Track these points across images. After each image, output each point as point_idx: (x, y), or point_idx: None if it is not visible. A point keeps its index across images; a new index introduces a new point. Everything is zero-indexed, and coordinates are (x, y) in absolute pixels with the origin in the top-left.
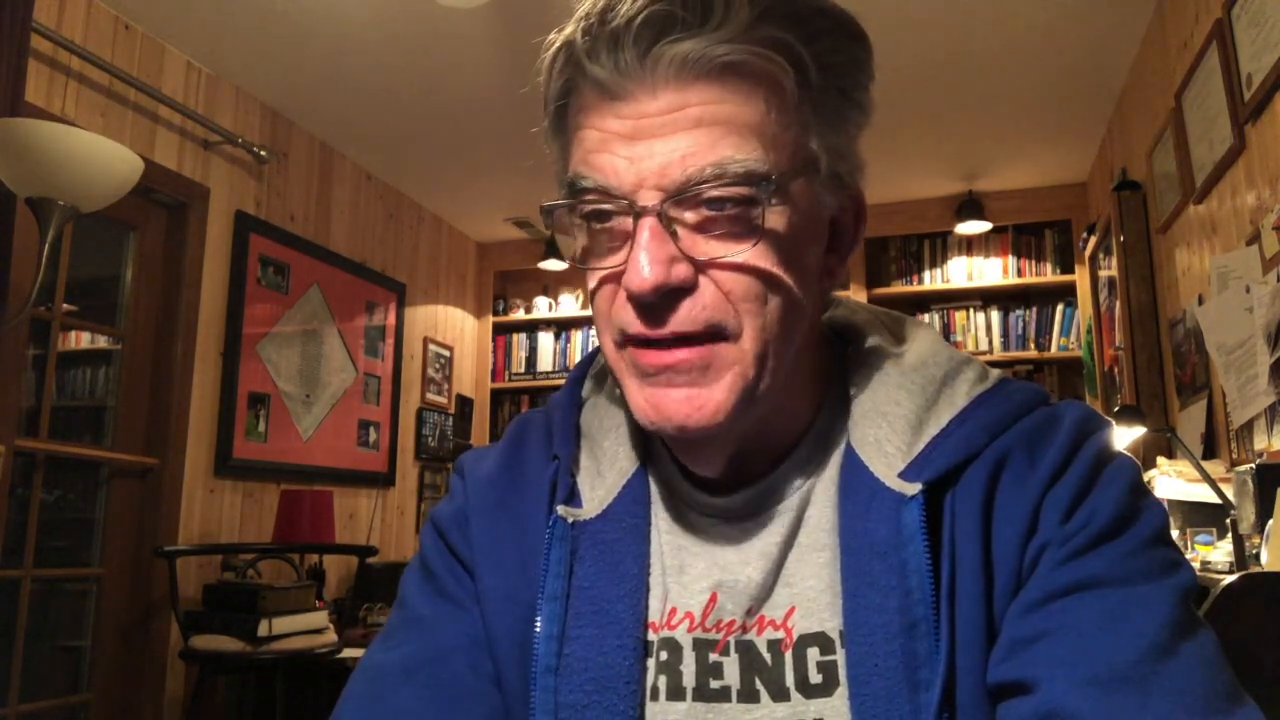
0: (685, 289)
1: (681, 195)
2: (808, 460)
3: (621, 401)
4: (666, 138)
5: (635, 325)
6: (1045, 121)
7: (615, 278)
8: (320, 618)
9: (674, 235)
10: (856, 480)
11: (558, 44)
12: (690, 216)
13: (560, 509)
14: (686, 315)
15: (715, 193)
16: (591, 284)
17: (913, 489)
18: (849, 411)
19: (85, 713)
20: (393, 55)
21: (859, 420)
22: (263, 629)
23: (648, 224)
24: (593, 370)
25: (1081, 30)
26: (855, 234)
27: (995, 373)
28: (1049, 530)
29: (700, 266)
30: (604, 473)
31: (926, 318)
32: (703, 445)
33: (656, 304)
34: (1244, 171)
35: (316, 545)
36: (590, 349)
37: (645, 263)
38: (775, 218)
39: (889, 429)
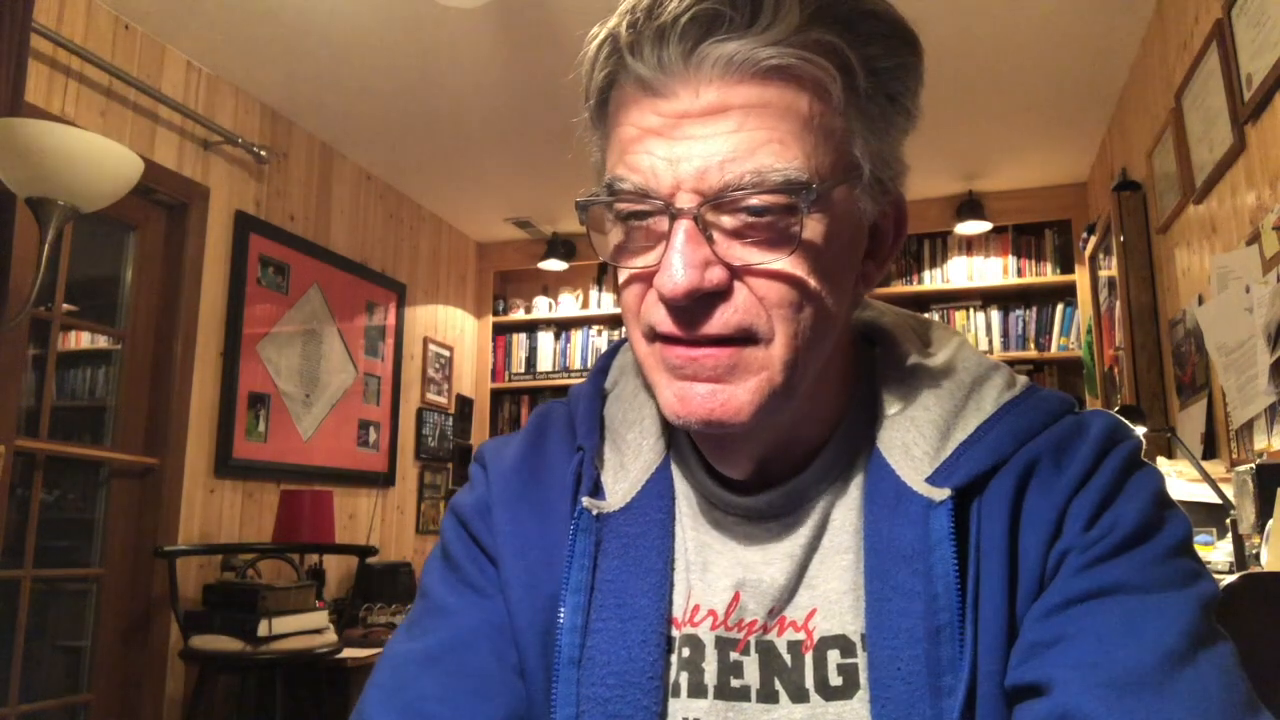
0: (718, 293)
1: (719, 200)
2: (834, 463)
3: (646, 394)
4: (706, 140)
5: (666, 325)
6: (1045, 121)
7: (646, 277)
8: (320, 618)
9: (709, 239)
10: (883, 484)
11: (601, 36)
12: (727, 221)
13: (585, 500)
14: (719, 319)
15: (753, 200)
16: (621, 278)
17: (941, 494)
18: (876, 415)
19: (85, 713)
20: (393, 55)
21: (886, 424)
22: (263, 629)
23: (683, 226)
24: (616, 362)
25: (1081, 30)
26: (896, 239)
27: (1023, 380)
28: (1072, 536)
29: (735, 272)
30: (628, 466)
31: (926, 317)
32: (729, 444)
33: (688, 307)
34: (1244, 171)
35: (316, 545)
36: (591, 348)
37: (679, 266)
38: (814, 226)
39: (917, 434)
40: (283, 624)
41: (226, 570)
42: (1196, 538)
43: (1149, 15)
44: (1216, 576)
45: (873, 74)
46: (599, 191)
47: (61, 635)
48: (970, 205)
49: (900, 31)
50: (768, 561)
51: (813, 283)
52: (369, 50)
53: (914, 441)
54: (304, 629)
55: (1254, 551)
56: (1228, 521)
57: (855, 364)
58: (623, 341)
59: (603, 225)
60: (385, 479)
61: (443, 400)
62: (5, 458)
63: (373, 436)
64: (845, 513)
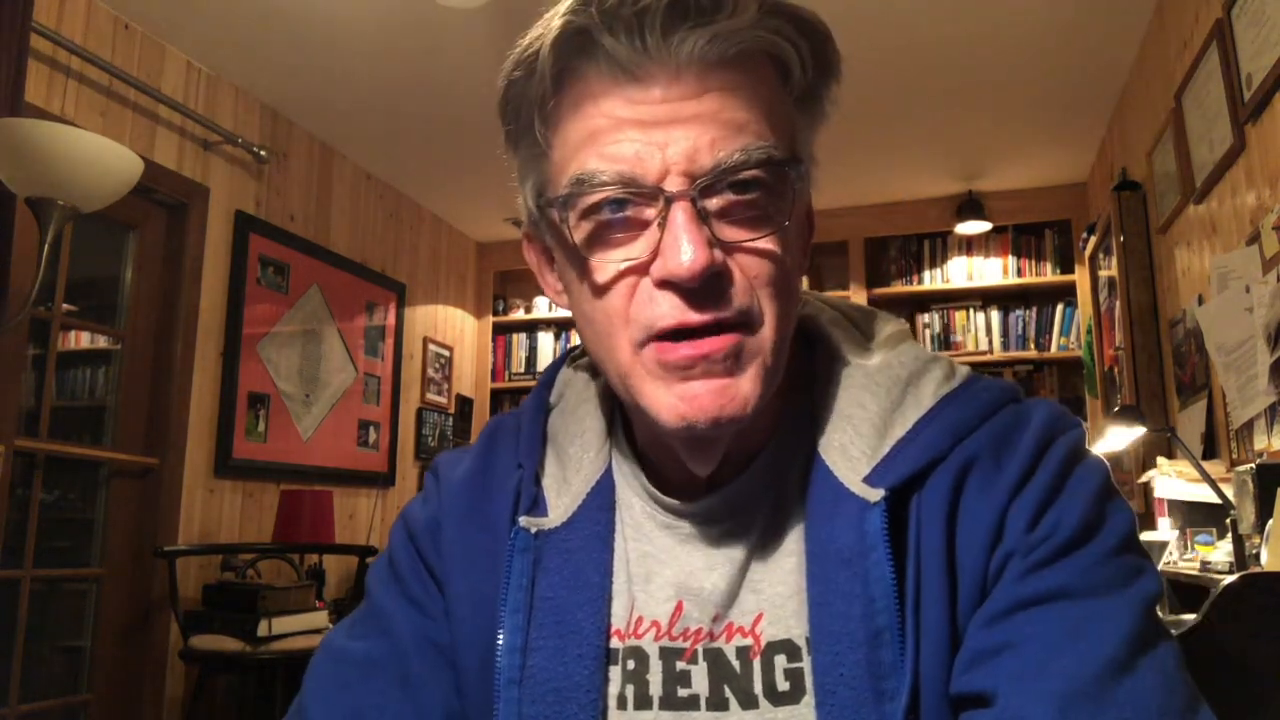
0: (722, 273)
1: (710, 181)
2: (773, 465)
3: (589, 407)
4: (689, 124)
5: (672, 316)
6: (1045, 121)
7: (635, 271)
8: (320, 618)
9: (704, 220)
10: (822, 485)
11: (556, 32)
12: (715, 203)
13: (523, 519)
14: (726, 300)
15: (742, 176)
16: (603, 279)
17: (875, 495)
18: (814, 416)
19: (85, 713)
20: (393, 55)
21: (824, 424)
22: (263, 629)
23: (682, 208)
24: (560, 376)
25: (1081, 30)
26: (812, 232)
27: (963, 370)
28: (1014, 539)
29: (728, 252)
30: (570, 480)
31: (926, 318)
32: (717, 440)
33: (698, 289)
34: (1244, 171)
35: (316, 545)
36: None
37: (687, 245)
38: (788, 205)
39: (854, 433)
40: (283, 624)
41: (226, 570)
42: (1197, 537)
43: (1149, 15)
44: (1216, 576)
45: (808, 69)
46: (569, 189)
47: (61, 635)
48: (970, 205)
49: (826, 30)
50: (710, 568)
51: (789, 262)
52: (369, 50)
53: (850, 441)
54: (304, 629)
55: (1254, 551)
56: (1228, 521)
57: (793, 364)
58: (569, 353)
59: (559, 227)
60: (385, 479)
61: (443, 400)
62: (5, 458)
63: (373, 436)
64: (787, 516)
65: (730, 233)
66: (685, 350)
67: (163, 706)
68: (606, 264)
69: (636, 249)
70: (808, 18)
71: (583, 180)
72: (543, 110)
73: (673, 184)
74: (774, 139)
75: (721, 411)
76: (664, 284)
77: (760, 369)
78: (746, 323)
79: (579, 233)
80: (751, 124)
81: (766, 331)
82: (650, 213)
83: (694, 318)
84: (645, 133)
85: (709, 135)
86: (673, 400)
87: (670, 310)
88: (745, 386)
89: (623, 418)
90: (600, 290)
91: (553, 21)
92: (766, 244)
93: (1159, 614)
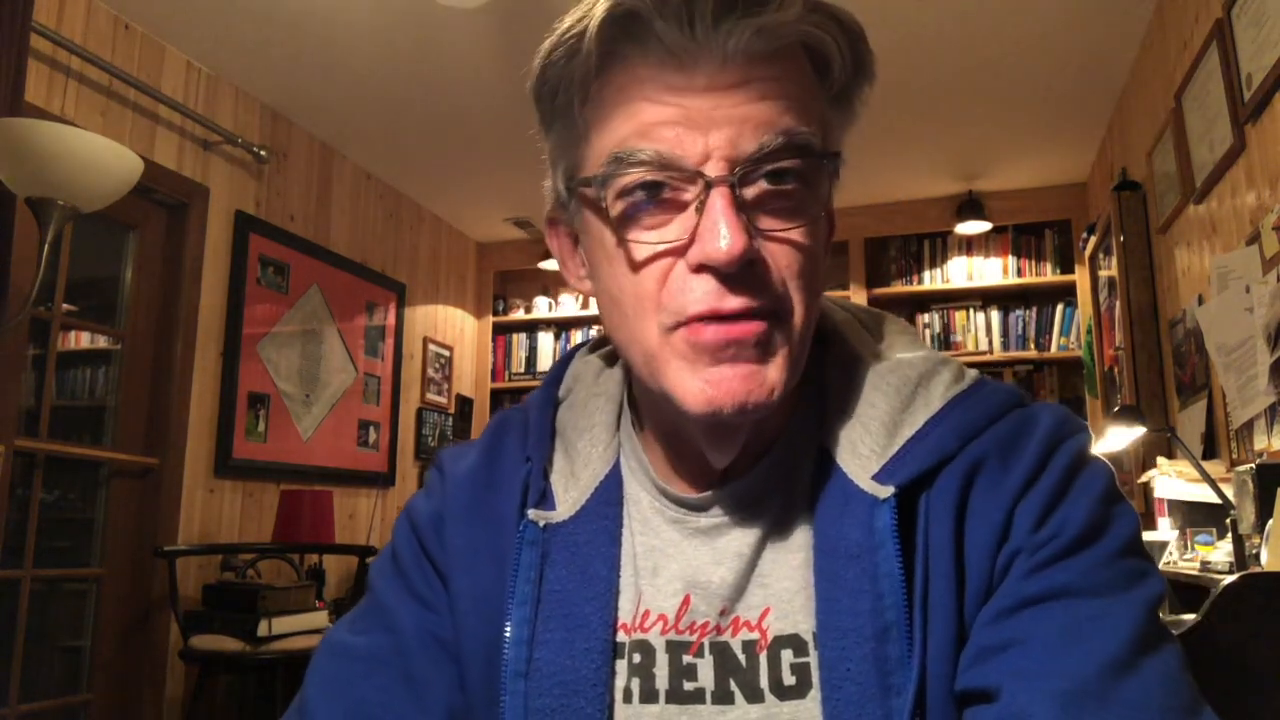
0: (756, 261)
1: (749, 169)
2: (783, 461)
3: (598, 402)
4: (731, 111)
5: (705, 302)
6: (1045, 121)
7: (669, 254)
8: (320, 618)
9: (741, 207)
10: (831, 483)
11: (604, 14)
12: (751, 192)
13: (531, 512)
14: (760, 287)
15: (782, 163)
16: (636, 260)
17: (885, 492)
18: (824, 413)
19: (85, 713)
20: (393, 55)
21: (834, 422)
22: (263, 629)
23: (721, 194)
24: (570, 371)
25: (1081, 30)
26: (832, 233)
27: (972, 373)
28: (1020, 538)
29: (763, 241)
30: (578, 474)
31: (926, 318)
32: (740, 429)
33: (735, 275)
34: (1244, 171)
35: (316, 545)
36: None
37: (726, 231)
38: (821, 199)
39: (863, 431)
40: (283, 624)
41: (226, 570)
42: (1197, 537)
43: (1149, 15)
44: (1216, 576)
45: (847, 67)
46: (607, 167)
47: (61, 635)
48: (970, 205)
49: (862, 31)
50: (718, 561)
51: (818, 255)
52: (369, 50)
53: (860, 439)
54: (304, 629)
55: (1254, 551)
56: (1228, 521)
57: (806, 362)
58: (576, 349)
59: (597, 206)
60: (385, 479)
61: (443, 400)
62: (5, 458)
63: (373, 436)
64: (796, 512)
65: (765, 222)
66: (716, 330)
67: (163, 706)
68: (641, 245)
69: (672, 232)
70: (846, 17)
71: (621, 158)
72: (584, 91)
73: (713, 169)
74: (814, 126)
75: (749, 397)
76: (700, 268)
77: (787, 358)
78: (776, 311)
79: (614, 212)
80: (791, 114)
81: (795, 321)
82: (688, 196)
83: (730, 303)
84: (688, 117)
85: (751, 123)
86: (700, 384)
87: (705, 295)
88: (772, 374)
89: (633, 412)
90: (632, 271)
91: (597, 5)
92: (799, 235)
93: (1162, 617)
